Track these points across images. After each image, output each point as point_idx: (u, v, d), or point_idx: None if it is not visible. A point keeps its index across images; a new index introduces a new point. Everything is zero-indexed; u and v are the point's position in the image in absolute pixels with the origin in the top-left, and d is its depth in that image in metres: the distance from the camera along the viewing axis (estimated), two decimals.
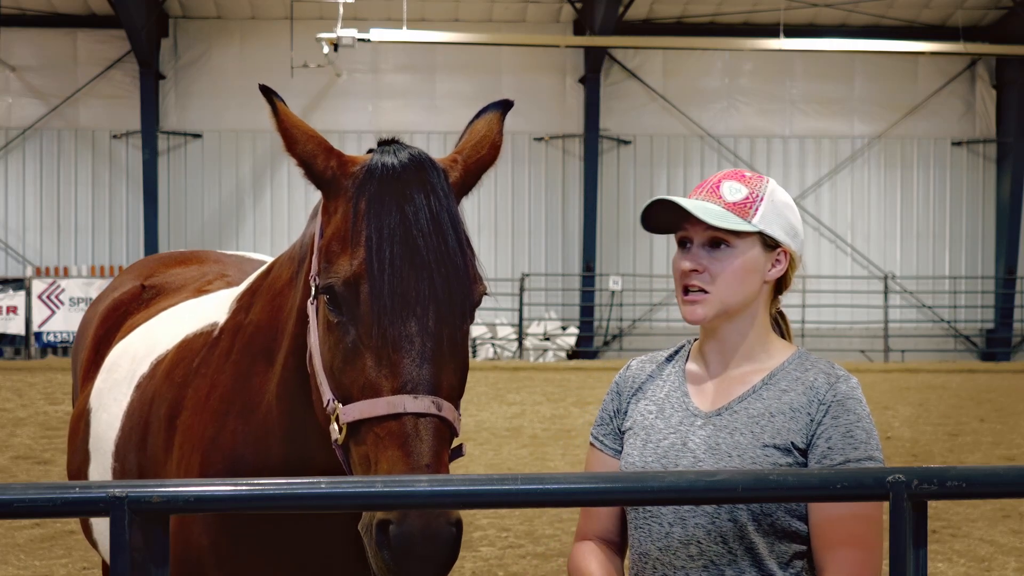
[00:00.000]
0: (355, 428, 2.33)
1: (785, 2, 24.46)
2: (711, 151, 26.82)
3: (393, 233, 2.40)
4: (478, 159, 2.66)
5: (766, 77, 26.74)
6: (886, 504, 1.86)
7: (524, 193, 26.41)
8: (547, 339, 25.68)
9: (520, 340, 25.29)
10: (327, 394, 2.43)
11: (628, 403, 2.62)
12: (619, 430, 2.62)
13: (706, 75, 26.72)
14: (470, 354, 2.47)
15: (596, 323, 26.20)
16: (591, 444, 2.67)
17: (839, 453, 2.38)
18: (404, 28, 23.34)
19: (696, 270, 2.46)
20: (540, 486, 1.92)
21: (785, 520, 2.39)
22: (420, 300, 2.36)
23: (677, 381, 2.58)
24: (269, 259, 4.52)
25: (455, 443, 2.42)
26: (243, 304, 3.07)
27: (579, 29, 25.94)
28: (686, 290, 2.48)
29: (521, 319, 25.49)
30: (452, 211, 2.48)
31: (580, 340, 25.83)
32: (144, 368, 3.44)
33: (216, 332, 3.12)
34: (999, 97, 27.14)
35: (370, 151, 2.63)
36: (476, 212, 25.97)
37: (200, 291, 3.89)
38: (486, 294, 2.51)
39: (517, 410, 15.24)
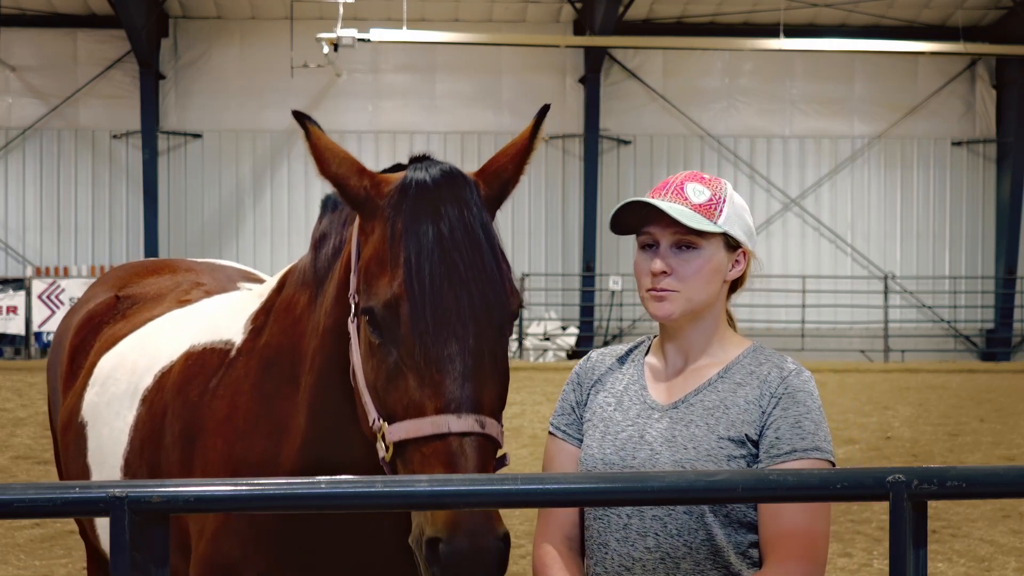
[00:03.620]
0: (401, 447, 2.36)
1: (785, 2, 24.46)
2: (711, 151, 26.82)
3: (430, 252, 2.41)
4: (498, 168, 2.65)
5: (766, 77, 26.73)
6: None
7: (524, 193, 26.39)
8: (547, 339, 25.69)
9: (520, 340, 25.30)
10: (372, 413, 2.46)
11: (588, 394, 2.66)
12: (581, 419, 2.66)
13: (706, 75, 26.72)
14: (508, 364, 2.55)
15: (596, 323, 26.20)
16: (551, 434, 2.70)
17: (786, 443, 2.43)
18: (404, 28, 23.34)
19: (666, 271, 2.50)
20: (540, 486, 1.92)
21: (741, 511, 2.44)
22: (460, 318, 2.39)
23: (636, 374, 2.63)
24: (238, 266, 4.54)
25: (499, 454, 2.45)
26: (258, 325, 3.10)
27: (579, 29, 25.94)
28: (652, 289, 2.53)
29: (521, 319, 25.46)
30: (486, 225, 2.50)
31: (580, 340, 25.83)
32: (148, 381, 3.43)
33: (233, 352, 3.13)
34: (999, 97, 27.14)
35: (398, 167, 2.67)
36: None
37: (181, 301, 3.90)
38: (522, 307, 2.54)
39: (517, 410, 15.24)
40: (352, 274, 2.60)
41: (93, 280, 23.96)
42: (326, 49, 22.85)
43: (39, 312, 24.06)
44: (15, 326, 24.17)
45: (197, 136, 26.22)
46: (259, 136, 26.09)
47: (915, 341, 26.51)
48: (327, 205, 2.98)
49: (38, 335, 24.14)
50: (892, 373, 22.57)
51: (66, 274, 25.28)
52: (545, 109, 2.65)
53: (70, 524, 8.17)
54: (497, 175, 2.63)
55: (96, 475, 3.62)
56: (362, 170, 2.58)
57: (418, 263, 2.40)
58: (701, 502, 2.34)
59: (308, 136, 2.58)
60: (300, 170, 26.19)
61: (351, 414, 2.63)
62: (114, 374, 3.69)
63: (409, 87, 26.40)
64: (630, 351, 2.70)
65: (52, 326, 24.04)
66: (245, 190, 26.37)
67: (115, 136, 26.09)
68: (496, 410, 2.42)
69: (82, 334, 4.21)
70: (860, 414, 14.98)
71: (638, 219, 2.54)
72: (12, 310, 24.11)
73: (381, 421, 2.42)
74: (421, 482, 1.93)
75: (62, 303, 24.10)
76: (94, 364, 3.89)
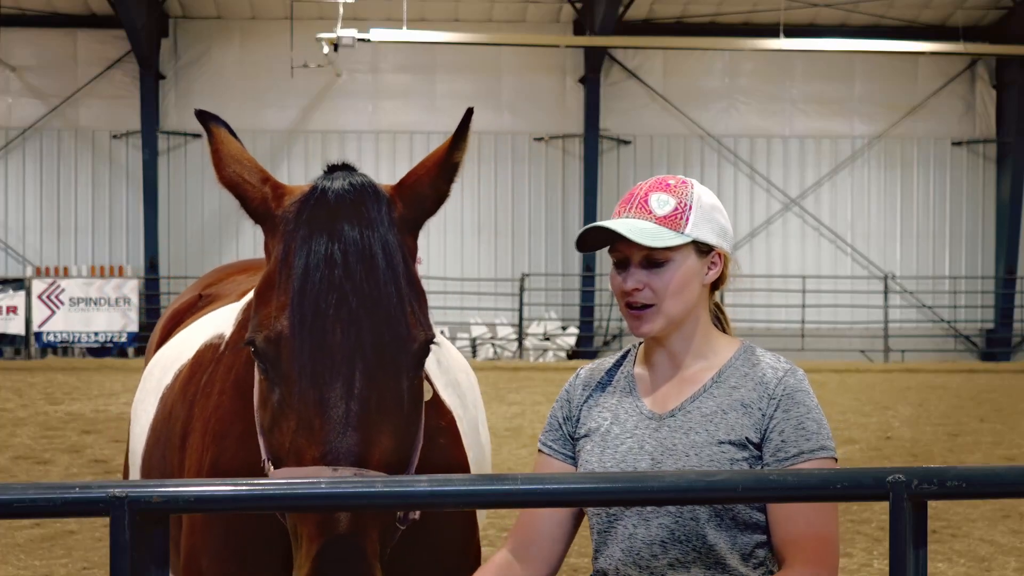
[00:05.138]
0: None
1: (785, 2, 24.46)
2: (711, 151, 26.81)
3: (319, 281, 2.18)
4: (414, 183, 2.37)
5: (766, 77, 26.73)
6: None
7: (524, 193, 26.40)
8: (547, 339, 25.68)
9: (520, 340, 25.29)
10: (263, 453, 2.27)
11: (579, 410, 2.65)
12: (569, 436, 2.65)
13: (706, 75, 26.72)
14: (420, 408, 2.30)
15: (596, 323, 26.19)
16: (539, 451, 2.69)
17: (793, 445, 2.43)
18: (404, 28, 23.34)
19: (638, 289, 2.49)
20: (540, 486, 1.92)
21: (746, 513, 2.44)
22: (346, 357, 2.14)
23: (628, 386, 2.61)
24: None
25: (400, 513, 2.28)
26: (247, 317, 2.87)
27: (579, 29, 25.94)
28: (630, 306, 2.52)
29: (521, 319, 25.48)
30: (390, 249, 2.24)
31: (580, 340, 25.83)
32: (168, 379, 3.31)
33: (222, 346, 2.96)
34: (999, 97, 27.14)
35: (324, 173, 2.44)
36: (476, 212, 25.98)
37: (244, 295, 3.64)
38: (432, 342, 2.27)
39: (517, 410, 15.24)
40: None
41: (93, 280, 23.74)
42: (326, 49, 22.85)
43: (39, 312, 24.05)
44: (15, 326, 24.16)
45: (197, 136, 26.19)
46: (259, 136, 26.06)
47: (915, 341, 26.51)
48: None
49: (38, 335, 24.14)
50: (892, 373, 22.57)
51: (66, 274, 25.27)
52: (469, 113, 2.34)
53: (70, 524, 8.17)
54: (413, 191, 2.36)
55: (132, 476, 3.51)
56: (265, 179, 2.35)
57: (303, 292, 2.17)
58: (701, 502, 2.33)
59: (211, 139, 2.36)
60: (300, 170, 26.18)
61: None
62: (152, 371, 3.58)
63: (409, 87, 26.39)
64: (619, 363, 2.69)
65: (52, 326, 24.07)
66: None
67: (115, 136, 26.09)
68: (389, 462, 2.16)
69: (163, 335, 4.09)
70: (860, 414, 14.98)
71: (606, 236, 2.52)
72: (12, 310, 24.11)
73: (268, 464, 2.23)
74: (421, 482, 1.93)
75: (62, 303, 24.10)
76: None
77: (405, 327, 2.21)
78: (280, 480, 1.94)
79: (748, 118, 26.83)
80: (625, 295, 2.51)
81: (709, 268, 2.55)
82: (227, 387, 2.78)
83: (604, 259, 18.12)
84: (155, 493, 1.81)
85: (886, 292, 26.42)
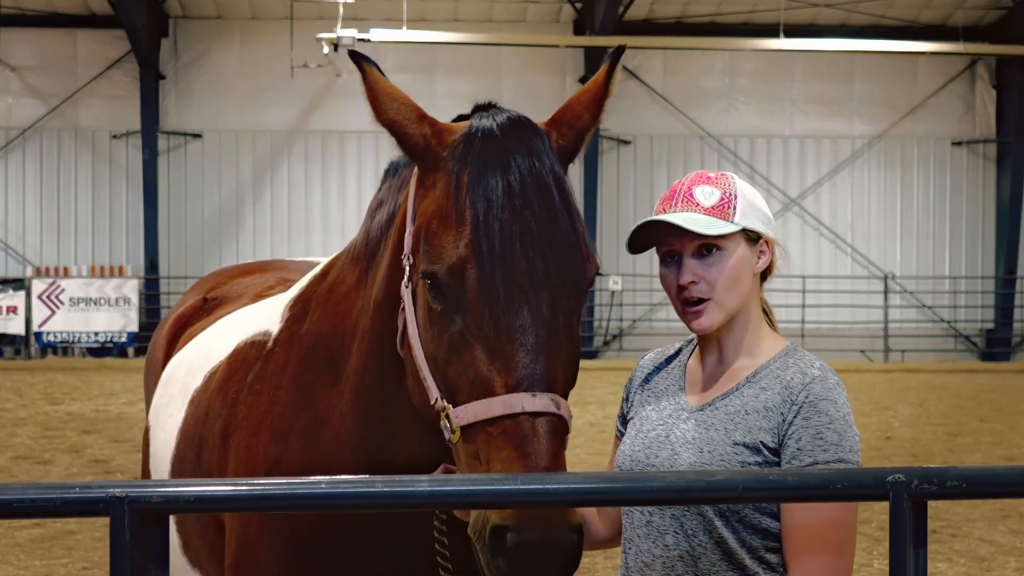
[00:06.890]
0: (466, 427, 2.17)
1: (785, 2, 24.47)
2: (711, 151, 26.81)
3: (500, 209, 2.21)
4: (572, 117, 2.44)
5: (766, 77, 26.74)
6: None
7: None
8: None
9: None
10: (434, 391, 2.25)
11: (635, 393, 2.68)
12: (625, 417, 2.70)
13: (706, 75, 26.73)
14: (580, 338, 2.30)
15: (596, 323, 26.20)
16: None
17: (808, 455, 2.38)
18: (404, 28, 23.34)
19: (694, 281, 2.47)
20: (540, 486, 1.92)
21: (755, 517, 2.41)
22: (532, 284, 2.18)
23: (677, 375, 2.63)
24: None
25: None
26: (297, 312, 2.89)
27: (579, 29, 25.95)
28: (686, 302, 2.50)
29: None
30: (560, 178, 2.30)
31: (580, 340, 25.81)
32: (198, 381, 3.28)
33: (270, 343, 2.94)
34: (999, 97, 27.15)
35: (460, 118, 2.50)
36: None
37: (259, 296, 3.67)
38: (599, 273, 2.36)
39: None
40: (407, 234, 2.39)
41: (93, 280, 23.76)
42: (326, 49, 22.85)
43: (39, 312, 24.06)
44: (15, 326, 24.17)
45: (197, 136, 26.22)
46: (259, 136, 26.08)
47: (915, 341, 26.51)
48: (388, 172, 2.80)
49: (38, 335, 24.14)
50: (892, 373, 22.57)
51: (66, 274, 25.27)
52: (620, 50, 2.45)
53: (70, 524, 8.17)
54: (571, 124, 2.43)
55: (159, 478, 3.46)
56: (422, 116, 2.41)
57: (487, 221, 2.19)
58: (701, 502, 2.33)
59: (365, 78, 2.40)
60: (300, 170, 26.19)
61: (404, 401, 2.44)
62: (174, 375, 3.55)
63: (409, 87, 26.31)
64: (679, 351, 2.70)
65: (52, 326, 24.07)
66: (245, 190, 26.37)
67: (115, 136, 26.10)
68: (568, 389, 2.24)
69: (168, 340, 4.07)
70: (860, 414, 14.99)
71: (654, 234, 2.52)
72: (12, 310, 24.12)
73: (444, 401, 2.22)
74: (421, 482, 1.93)
75: (62, 303, 24.10)
76: (166, 367, 3.75)
77: (580, 256, 2.27)
78: (280, 480, 1.93)
79: (748, 118, 26.84)
80: (680, 290, 2.49)
81: (758, 257, 2.54)
82: (284, 383, 2.78)
83: (604, 259, 18.10)
84: (155, 493, 1.81)
85: (886, 292, 26.43)
